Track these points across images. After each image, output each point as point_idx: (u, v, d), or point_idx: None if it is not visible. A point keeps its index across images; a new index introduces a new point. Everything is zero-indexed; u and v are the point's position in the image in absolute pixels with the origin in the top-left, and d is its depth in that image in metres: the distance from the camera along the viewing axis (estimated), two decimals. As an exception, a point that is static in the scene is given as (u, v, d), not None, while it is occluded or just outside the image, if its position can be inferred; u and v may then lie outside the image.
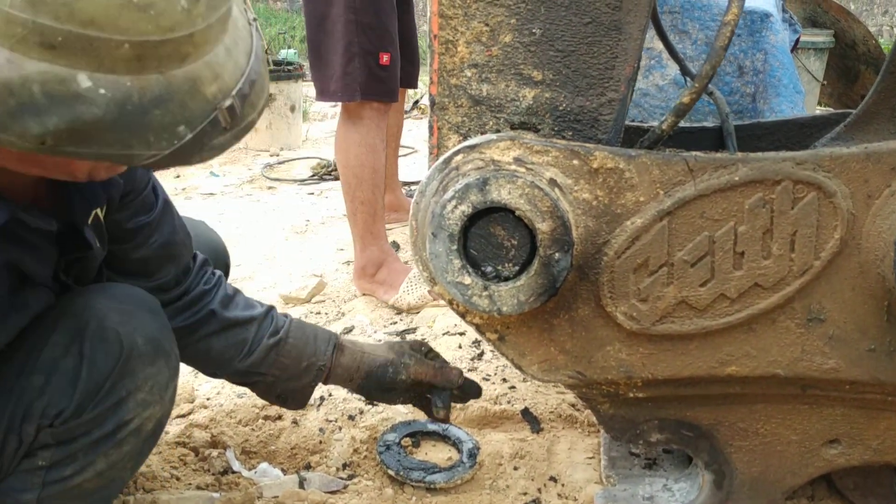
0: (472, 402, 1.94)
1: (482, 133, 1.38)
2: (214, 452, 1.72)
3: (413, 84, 3.17)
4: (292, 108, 5.53)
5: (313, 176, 4.74)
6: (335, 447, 1.76)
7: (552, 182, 1.25)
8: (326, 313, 2.66)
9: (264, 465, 1.68)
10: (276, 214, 3.94)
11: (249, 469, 1.68)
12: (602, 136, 1.34)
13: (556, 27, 1.30)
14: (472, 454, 1.71)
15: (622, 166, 1.24)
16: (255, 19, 1.01)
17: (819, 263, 1.22)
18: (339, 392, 1.96)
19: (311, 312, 2.66)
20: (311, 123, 6.41)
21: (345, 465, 1.71)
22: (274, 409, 1.87)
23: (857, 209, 1.20)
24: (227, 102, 0.89)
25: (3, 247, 1.01)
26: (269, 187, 4.60)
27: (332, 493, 1.59)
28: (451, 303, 1.32)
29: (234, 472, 1.68)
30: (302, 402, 1.57)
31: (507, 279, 1.19)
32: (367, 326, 2.51)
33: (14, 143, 0.76)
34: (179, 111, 0.84)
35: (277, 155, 5.42)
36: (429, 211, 1.28)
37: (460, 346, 2.28)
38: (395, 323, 2.54)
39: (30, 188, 1.09)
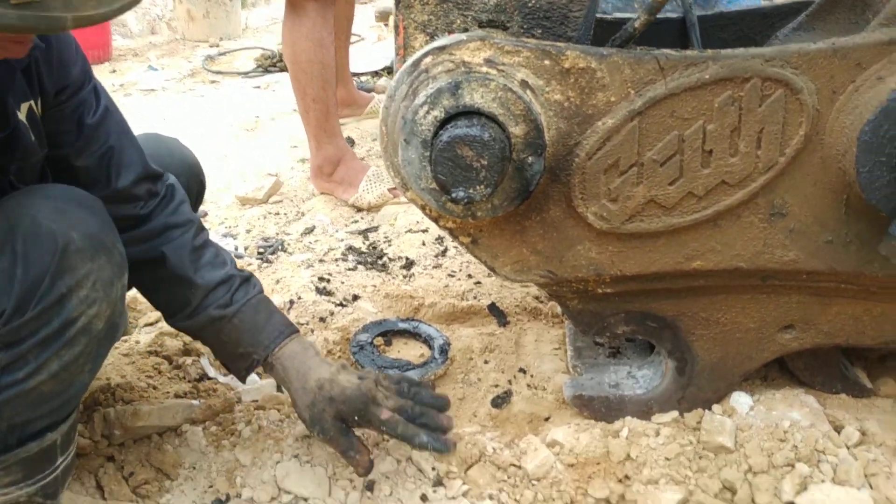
0: (439, 299, 1.99)
1: (449, 32, 1.34)
2: (189, 360, 1.73)
3: None
4: (229, -6, 5.26)
5: (258, 68, 4.57)
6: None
7: (524, 83, 1.23)
8: (285, 213, 2.63)
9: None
10: (222, 110, 3.81)
11: (224, 375, 1.70)
12: (572, 34, 1.32)
13: (525, -87, 1.25)
14: (444, 350, 1.76)
15: (594, 66, 1.23)
16: None
17: (783, 160, 1.25)
18: (309, 295, 1.97)
19: (270, 213, 2.63)
20: (250, 11, 6.12)
21: (319, 366, 1.74)
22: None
23: (821, 105, 1.22)
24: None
25: None
26: (212, 81, 4.43)
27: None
28: (423, 208, 1.32)
29: (209, 379, 1.70)
30: (239, 378, 1.46)
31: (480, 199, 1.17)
32: (328, 226, 2.51)
33: None
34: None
35: (217, 46, 5.19)
36: (399, 116, 1.25)
37: (423, 244, 2.30)
38: (357, 222, 2.54)
39: None
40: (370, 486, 1.40)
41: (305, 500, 1.37)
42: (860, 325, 1.45)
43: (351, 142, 3.13)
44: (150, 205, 1.39)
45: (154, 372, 1.68)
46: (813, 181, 1.27)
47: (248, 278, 1.44)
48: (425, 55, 1.25)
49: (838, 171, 1.24)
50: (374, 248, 2.32)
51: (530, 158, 1.21)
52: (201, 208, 2.46)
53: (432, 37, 1.35)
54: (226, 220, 2.60)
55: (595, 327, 1.52)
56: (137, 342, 1.81)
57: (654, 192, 1.28)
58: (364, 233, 2.43)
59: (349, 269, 2.17)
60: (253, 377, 1.67)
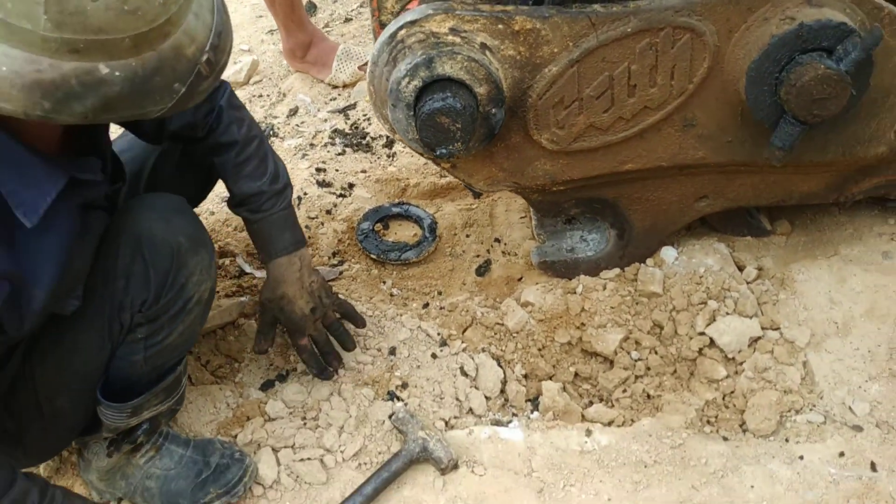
0: (421, 178, 2.35)
1: (415, -7, 1.59)
2: (227, 261, 2.11)
3: None
4: None
5: None
6: (322, 240, 2.16)
7: (483, 45, 1.52)
8: (268, 95, 2.88)
9: (272, 264, 2.09)
10: None
11: (258, 269, 2.09)
12: (525, -10, 1.58)
13: None
14: (432, 229, 2.15)
15: (538, 26, 1.51)
16: None
17: (692, 86, 1.58)
18: (312, 189, 2.32)
19: (254, 96, 2.87)
20: None
21: (334, 254, 2.14)
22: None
23: (721, 42, 1.53)
24: (205, 57, 1.12)
25: (69, 195, 1.28)
26: None
27: (334, 280, 2.04)
28: (413, 150, 1.65)
29: (247, 274, 2.10)
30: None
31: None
32: (309, 106, 2.77)
33: (66, 121, 1.05)
34: (171, 74, 1.09)
35: None
36: (383, 80, 1.55)
37: (400, 120, 2.59)
38: (335, 99, 2.80)
39: (61, 136, 1.32)
40: (392, 351, 1.86)
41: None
42: (757, 192, 1.85)
43: (312, 6, 3.27)
44: (206, 128, 1.63)
45: (201, 275, 2.07)
46: (716, 99, 1.61)
47: (280, 191, 1.69)
48: (400, 28, 1.52)
49: (734, 91, 1.57)
50: (357, 127, 2.62)
51: (494, 110, 1.53)
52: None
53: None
54: (215, 107, 2.85)
55: (552, 211, 1.91)
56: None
57: (593, 119, 1.61)
58: (344, 111, 2.71)
59: (339, 154, 2.49)
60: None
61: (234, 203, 1.71)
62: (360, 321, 1.84)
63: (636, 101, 1.59)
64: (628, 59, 1.54)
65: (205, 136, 1.65)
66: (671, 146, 1.68)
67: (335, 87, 2.84)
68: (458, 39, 1.50)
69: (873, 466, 1.59)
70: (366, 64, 2.71)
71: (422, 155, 1.68)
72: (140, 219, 1.44)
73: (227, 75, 2.83)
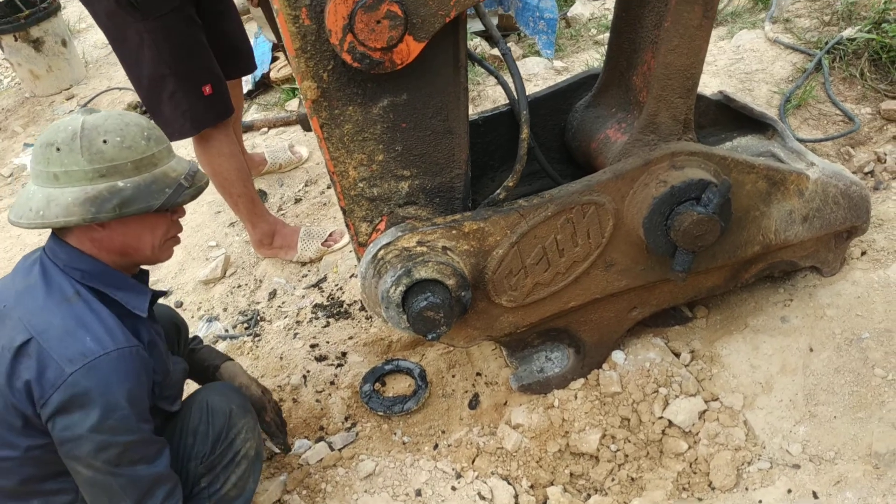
0: (399, 334, 2.76)
1: (381, 216, 2.04)
2: (257, 447, 2.45)
3: (250, 69, 3.40)
4: (64, 43, 5.38)
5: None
6: (333, 409, 2.54)
7: (444, 248, 1.96)
8: (246, 284, 3.27)
9: (298, 441, 2.45)
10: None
11: (286, 451, 2.44)
12: (458, 197, 2.05)
13: (411, 142, 1.93)
14: (423, 377, 2.56)
15: (482, 226, 1.97)
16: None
17: (605, 240, 2.06)
18: (314, 366, 2.69)
19: (233, 287, 3.25)
20: (79, 38, 6.18)
21: (346, 418, 2.51)
22: (277, 397, 2.59)
23: (618, 205, 2.02)
24: (184, 176, 1.82)
25: (153, 325, 1.80)
26: (96, 145, 4.73)
27: (352, 443, 2.41)
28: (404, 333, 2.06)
29: (276, 454, 2.44)
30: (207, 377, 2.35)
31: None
32: (285, 286, 3.18)
33: (103, 218, 1.67)
34: (162, 184, 1.76)
35: (72, 96, 5.38)
36: (373, 289, 1.97)
37: (368, 284, 3.02)
38: (307, 275, 3.21)
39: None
40: (418, 493, 2.23)
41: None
42: (674, 294, 2.33)
43: (263, 193, 3.71)
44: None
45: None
46: (624, 243, 2.09)
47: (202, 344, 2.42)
48: (379, 249, 1.95)
49: (637, 236, 2.06)
50: (332, 298, 3.03)
51: (463, 293, 1.97)
52: (174, 298, 3.14)
53: (370, 223, 2.04)
54: (201, 304, 3.22)
55: (519, 345, 2.35)
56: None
57: (537, 279, 2.07)
58: (318, 285, 3.12)
59: (325, 327, 2.89)
60: (305, 442, 2.43)
61: (185, 354, 2.30)
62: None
63: (566, 259, 2.06)
64: (553, 233, 2.01)
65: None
66: (600, 283, 2.15)
67: (303, 263, 3.26)
68: (425, 249, 1.94)
69: (815, 495, 2.03)
70: (328, 239, 3.18)
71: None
72: (206, 393, 2.01)
73: (204, 274, 3.24)
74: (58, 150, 1.67)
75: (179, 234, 1.95)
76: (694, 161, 2.01)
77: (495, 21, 4.33)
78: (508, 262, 2.02)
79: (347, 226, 2.05)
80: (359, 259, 2.08)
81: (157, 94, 2.77)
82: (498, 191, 2.02)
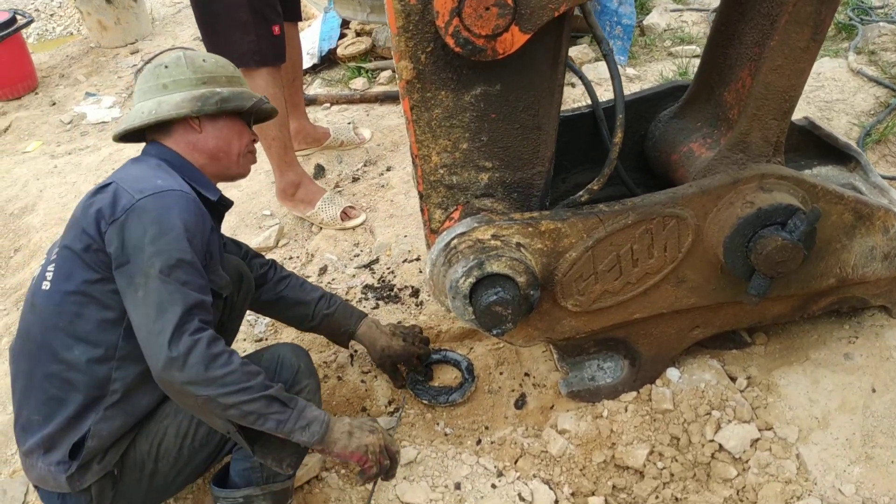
0: (450, 324, 2.74)
1: (457, 205, 2.01)
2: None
3: (299, 16, 3.52)
4: (135, -2, 5.43)
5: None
6: (378, 391, 2.53)
7: (518, 244, 1.94)
8: (297, 256, 3.26)
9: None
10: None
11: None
12: (536, 194, 2.01)
13: (498, 133, 1.90)
14: (470, 370, 2.53)
15: (559, 226, 1.94)
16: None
17: (681, 255, 2.02)
18: (361, 346, 2.69)
19: (285, 258, 3.26)
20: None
21: (390, 402, 2.50)
22: (322, 373, 2.59)
23: (699, 221, 1.98)
24: (262, 97, 2.14)
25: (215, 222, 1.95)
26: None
27: (394, 428, 2.40)
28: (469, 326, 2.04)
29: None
30: (344, 346, 2.54)
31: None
32: (337, 263, 3.17)
33: (210, 110, 1.98)
34: (250, 94, 2.11)
35: (136, 50, 5.43)
36: (441, 277, 1.95)
37: (420, 271, 3.00)
38: (358, 255, 3.20)
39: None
40: (458, 486, 2.21)
41: (421, 505, 2.18)
42: (738, 318, 2.29)
43: (321, 168, 3.71)
44: (264, 273, 2.40)
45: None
46: (700, 261, 2.05)
47: (330, 294, 2.48)
48: (453, 238, 1.93)
49: (714, 255, 2.01)
50: (384, 280, 3.02)
51: (532, 292, 1.94)
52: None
53: (445, 210, 2.02)
54: (251, 271, 3.22)
55: (575, 351, 2.32)
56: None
57: (606, 287, 2.04)
58: (369, 266, 3.11)
59: (373, 308, 2.88)
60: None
61: (307, 310, 2.41)
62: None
63: (639, 269, 2.02)
64: (630, 242, 1.97)
65: (263, 276, 2.40)
66: (669, 298, 2.11)
67: (312, 224, 3.31)
68: (499, 243, 1.91)
69: (865, 539, 1.98)
70: (347, 209, 3.22)
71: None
72: (279, 348, 2.10)
73: (256, 242, 3.25)
74: (166, 67, 2.01)
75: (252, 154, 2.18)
76: (783, 185, 1.96)
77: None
78: (580, 266, 1.99)
79: (422, 210, 2.03)
80: (429, 246, 2.06)
81: (229, 21, 2.89)
82: (581, 192, 1.99)
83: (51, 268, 1.87)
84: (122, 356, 1.84)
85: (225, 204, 2.11)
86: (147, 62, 4.90)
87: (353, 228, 3.32)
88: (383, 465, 1.98)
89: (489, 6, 1.59)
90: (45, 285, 1.85)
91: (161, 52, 1.76)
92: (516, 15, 1.62)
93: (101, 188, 1.86)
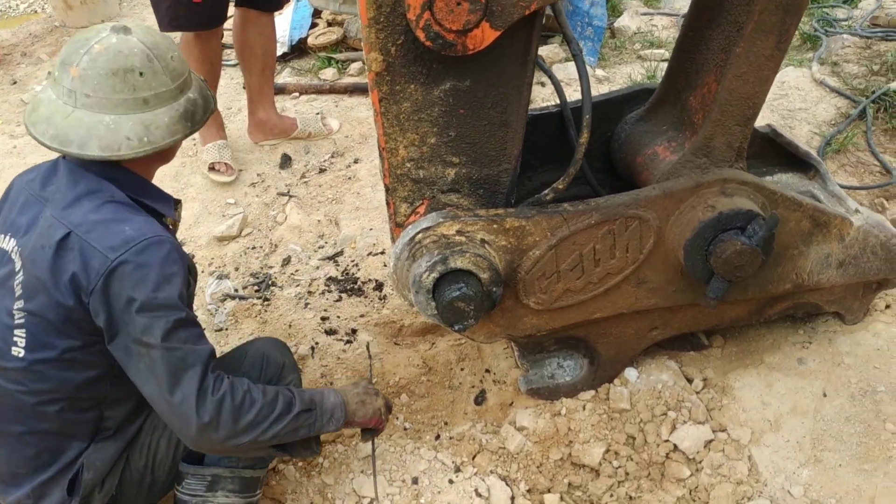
0: (413, 318, 2.73)
1: (423, 199, 2.01)
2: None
3: (278, 6, 3.50)
4: (102, -24, 5.31)
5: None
6: (338, 385, 2.51)
7: (482, 241, 1.94)
8: (260, 246, 3.23)
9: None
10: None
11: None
12: (502, 191, 2.02)
13: (466, 129, 1.90)
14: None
15: (523, 223, 1.94)
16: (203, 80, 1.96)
17: (642, 256, 2.04)
18: (323, 338, 2.67)
19: (247, 248, 3.22)
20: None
21: (349, 396, 2.49)
22: (280, 365, 2.57)
23: (662, 223, 2.00)
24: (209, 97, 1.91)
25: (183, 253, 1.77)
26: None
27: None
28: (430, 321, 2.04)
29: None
30: None
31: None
32: (301, 254, 3.14)
33: (199, 127, 1.82)
34: (205, 85, 1.91)
35: (103, 31, 5.31)
36: (405, 271, 1.95)
37: (384, 265, 2.99)
38: (322, 247, 3.18)
39: None
40: (415, 480, 2.21)
41: (375, 499, 2.17)
42: (696, 320, 2.32)
43: (288, 158, 3.67)
44: None
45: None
46: (661, 262, 2.07)
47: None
48: (417, 232, 1.92)
49: (675, 257, 2.04)
50: (347, 273, 3.00)
51: (494, 288, 1.94)
52: (186, 250, 3.11)
53: (411, 204, 2.01)
54: (212, 259, 3.18)
55: (536, 348, 2.33)
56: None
57: (568, 286, 2.05)
58: (333, 258, 3.09)
59: (336, 301, 2.86)
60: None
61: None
62: None
63: (601, 269, 2.04)
64: (593, 241, 1.99)
65: None
66: (629, 298, 2.13)
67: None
68: (463, 238, 1.91)
69: (812, 539, 2.03)
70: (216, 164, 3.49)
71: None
72: (262, 344, 2.10)
73: (219, 230, 3.21)
74: (141, 74, 1.68)
75: None
76: (744, 191, 1.99)
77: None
78: (543, 265, 2.00)
79: (388, 204, 2.02)
80: (394, 239, 2.05)
81: None
82: (546, 191, 2.00)
83: (20, 333, 1.69)
84: (112, 401, 1.82)
85: (178, 217, 1.97)
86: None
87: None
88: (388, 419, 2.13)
89: (460, 1, 1.59)
90: (18, 352, 1.69)
91: (99, 35, 1.45)
92: (487, 11, 1.62)
93: (62, 243, 1.64)
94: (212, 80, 3.36)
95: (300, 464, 2.27)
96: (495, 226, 1.94)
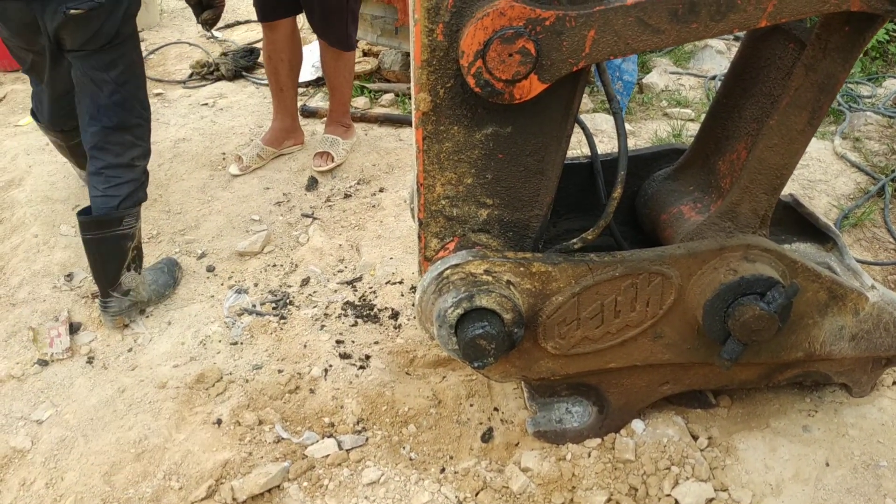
0: (426, 350, 2.77)
1: (454, 237, 2.07)
2: (266, 427, 2.47)
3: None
4: (147, -14, 5.45)
5: (193, 75, 4.92)
6: (347, 409, 2.55)
7: (508, 282, 1.99)
8: (281, 265, 3.29)
9: (307, 433, 2.45)
10: (181, 138, 4.25)
11: (295, 436, 2.45)
12: (531, 235, 2.08)
13: (502, 173, 1.96)
14: (441, 399, 2.56)
15: (549, 270, 2.00)
16: None
17: (661, 311, 2.09)
18: (337, 361, 2.71)
19: (268, 265, 3.28)
20: (160, -13, 6.26)
21: (358, 422, 2.52)
22: (294, 384, 2.61)
23: (683, 282, 2.05)
24: None
25: None
26: (157, 93, 4.78)
27: (361, 447, 2.42)
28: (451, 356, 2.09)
29: (284, 440, 2.45)
30: None
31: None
32: (320, 276, 3.20)
33: None
34: None
35: (142, 40, 5.43)
36: (429, 304, 2.00)
37: (402, 294, 3.04)
38: (342, 271, 3.23)
39: None
40: (417, 512, 2.24)
41: (379, 527, 2.20)
42: (707, 378, 2.36)
43: (314, 181, 3.75)
44: None
45: (244, 440, 2.41)
46: (679, 319, 2.12)
47: None
48: (446, 268, 1.98)
49: (693, 316, 2.09)
50: (364, 299, 3.05)
51: (516, 329, 1.99)
52: (207, 261, 3.19)
53: (441, 240, 2.07)
54: (233, 273, 3.24)
55: (547, 392, 2.37)
56: (220, 418, 2.51)
57: (587, 333, 2.10)
58: (352, 283, 3.14)
59: (352, 326, 2.90)
60: (313, 435, 2.43)
61: None
62: None
63: (620, 321, 2.09)
64: (615, 293, 2.04)
65: None
66: (644, 351, 2.18)
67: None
68: (490, 278, 1.97)
69: None
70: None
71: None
72: None
73: (242, 246, 3.26)
74: None
75: None
76: (766, 258, 2.04)
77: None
78: (565, 311, 2.05)
79: (419, 237, 2.07)
80: (421, 273, 2.11)
81: None
82: (574, 240, 2.06)
83: None
84: None
85: None
86: (149, 54, 4.92)
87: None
88: None
89: (512, 52, 1.67)
90: None
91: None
92: (537, 65, 1.70)
93: None
94: (299, 60, 3.85)
95: (305, 484, 2.30)
96: (522, 269, 1.99)
